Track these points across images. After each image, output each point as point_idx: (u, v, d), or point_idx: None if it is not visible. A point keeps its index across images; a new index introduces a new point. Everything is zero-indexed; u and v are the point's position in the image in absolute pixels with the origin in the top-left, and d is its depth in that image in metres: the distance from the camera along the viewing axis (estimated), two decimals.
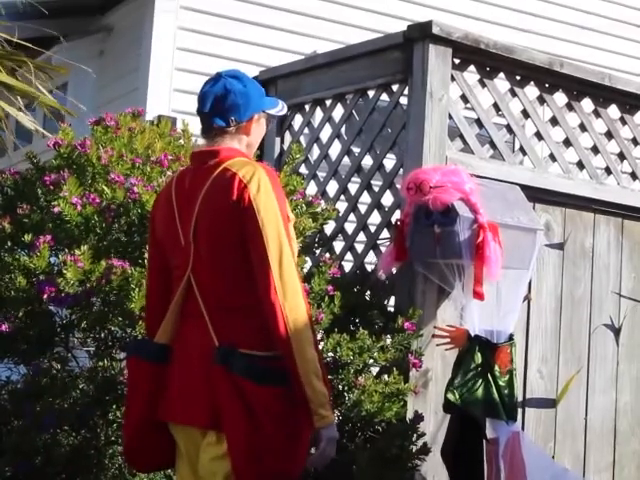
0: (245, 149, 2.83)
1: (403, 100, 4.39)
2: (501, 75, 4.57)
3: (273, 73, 5.10)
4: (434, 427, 4.10)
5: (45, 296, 3.49)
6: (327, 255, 4.28)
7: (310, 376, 2.63)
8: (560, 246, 4.62)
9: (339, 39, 6.13)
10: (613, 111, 4.94)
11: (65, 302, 3.56)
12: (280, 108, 2.91)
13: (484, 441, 3.85)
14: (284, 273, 2.64)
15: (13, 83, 4.05)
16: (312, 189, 4.79)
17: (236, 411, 2.65)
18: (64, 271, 3.50)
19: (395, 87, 4.47)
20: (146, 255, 3.31)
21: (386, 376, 3.96)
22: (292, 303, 2.63)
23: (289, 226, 2.73)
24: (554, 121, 4.73)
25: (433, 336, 4.08)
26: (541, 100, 4.69)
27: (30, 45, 4.10)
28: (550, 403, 4.53)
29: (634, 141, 5.04)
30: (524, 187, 4.35)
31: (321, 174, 4.87)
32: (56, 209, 3.60)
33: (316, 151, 4.99)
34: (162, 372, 2.80)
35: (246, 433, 2.63)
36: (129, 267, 3.50)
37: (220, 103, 2.78)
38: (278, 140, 5.08)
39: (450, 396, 3.80)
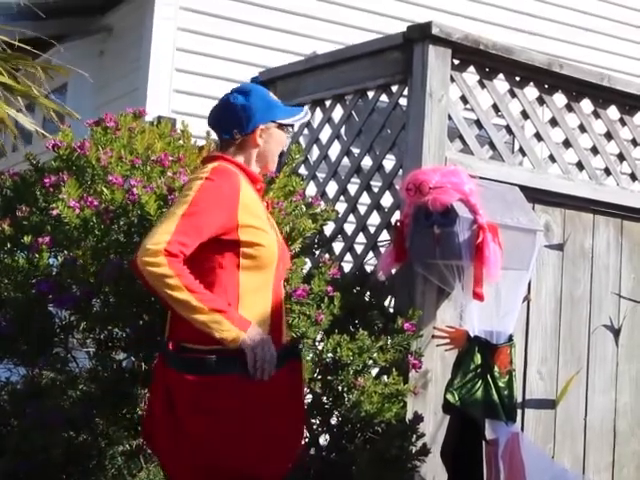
0: (256, 159, 2.99)
1: (403, 101, 4.39)
2: (500, 76, 4.57)
3: (273, 74, 5.10)
4: (434, 428, 4.10)
5: (45, 297, 3.50)
6: (327, 256, 4.28)
7: (190, 315, 2.74)
8: (560, 247, 4.62)
9: (339, 40, 6.14)
10: (612, 112, 4.94)
11: (65, 303, 3.57)
12: (298, 117, 3.05)
13: (483, 442, 3.85)
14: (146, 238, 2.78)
15: (13, 85, 4.05)
16: (311, 190, 4.79)
17: (159, 395, 2.89)
18: (63, 272, 3.51)
19: (395, 88, 4.47)
20: None
21: (386, 377, 3.96)
22: (149, 260, 2.72)
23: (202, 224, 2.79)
24: (554, 122, 4.73)
25: (433, 337, 4.08)
26: (541, 101, 4.69)
27: (29, 48, 4.10)
28: (550, 404, 4.53)
29: (633, 142, 5.04)
30: (523, 188, 4.35)
31: (320, 175, 4.87)
32: (55, 211, 3.60)
33: (316, 152, 4.99)
34: None
35: (161, 414, 2.87)
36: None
37: (223, 117, 2.99)
38: None
39: (449, 397, 3.80)
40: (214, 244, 2.83)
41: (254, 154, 2.98)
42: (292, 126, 3.14)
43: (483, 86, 4.50)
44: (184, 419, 2.82)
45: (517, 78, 4.59)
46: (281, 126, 3.02)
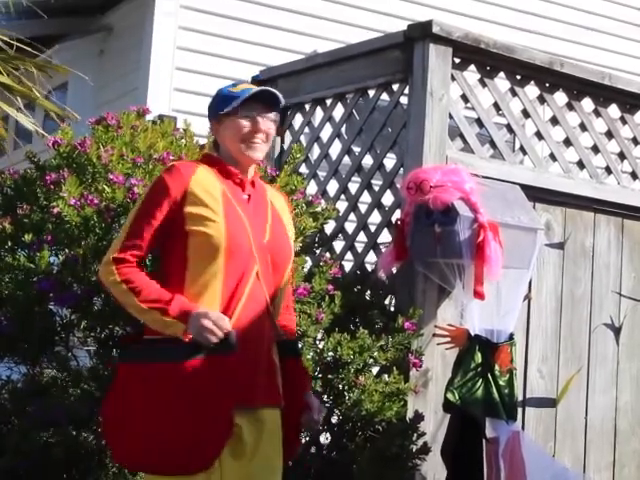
0: (227, 152, 3.04)
1: (403, 99, 4.39)
2: (501, 74, 4.57)
3: (273, 72, 5.10)
4: (434, 426, 4.10)
5: (46, 296, 3.50)
6: (327, 255, 4.28)
7: (140, 317, 2.85)
8: (560, 245, 4.62)
9: (339, 38, 6.13)
10: (613, 111, 4.94)
11: (66, 302, 3.57)
12: (235, 103, 2.99)
13: (484, 440, 3.85)
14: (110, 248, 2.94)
15: (13, 85, 4.05)
16: (312, 188, 4.79)
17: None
18: (64, 271, 3.51)
19: (395, 86, 4.47)
20: None
21: (386, 375, 3.96)
22: (102, 271, 2.90)
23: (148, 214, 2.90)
24: (554, 121, 4.73)
25: (433, 335, 4.08)
26: (541, 100, 4.69)
27: (28, 48, 4.10)
28: (550, 402, 4.53)
29: (634, 141, 5.04)
30: (524, 187, 4.35)
31: (321, 173, 4.87)
32: (55, 210, 3.60)
33: (316, 150, 4.99)
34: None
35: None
36: None
37: None
38: (278, 140, 5.09)
39: (450, 396, 3.80)
40: (169, 237, 2.90)
41: (221, 146, 3.06)
42: (261, 111, 3.02)
43: (484, 85, 4.50)
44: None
45: (518, 77, 4.59)
46: (235, 115, 3.00)
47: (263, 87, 3.07)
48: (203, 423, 2.83)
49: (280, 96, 3.05)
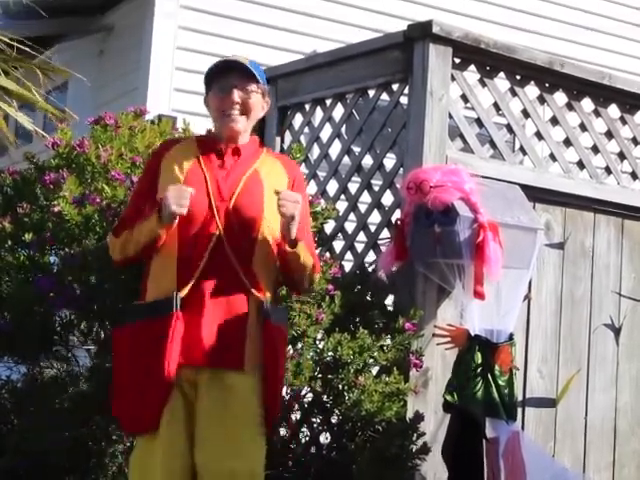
0: (214, 126, 3.22)
1: (403, 99, 4.39)
2: (501, 75, 4.57)
3: (273, 72, 5.09)
4: (434, 427, 4.10)
5: (46, 295, 3.50)
6: (327, 255, 4.28)
7: (134, 244, 3.07)
8: (560, 246, 4.62)
9: (339, 38, 6.13)
10: (613, 111, 4.94)
11: (66, 301, 3.56)
12: (205, 81, 3.20)
13: (484, 441, 3.85)
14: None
15: (12, 88, 4.05)
16: (312, 188, 4.78)
17: None
18: (64, 270, 3.51)
19: (395, 86, 4.47)
20: None
21: (386, 376, 3.96)
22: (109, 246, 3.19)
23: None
24: (554, 121, 4.73)
25: (433, 335, 4.08)
26: (541, 100, 4.69)
27: (27, 49, 4.09)
28: (550, 403, 4.53)
29: (634, 141, 5.04)
30: (524, 187, 4.35)
31: (321, 174, 4.87)
32: (56, 208, 3.60)
33: (316, 150, 4.98)
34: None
35: None
36: None
37: None
38: (278, 139, 5.08)
39: (448, 397, 3.80)
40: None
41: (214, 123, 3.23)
42: (231, 86, 3.13)
43: (484, 85, 4.50)
44: None
45: (518, 77, 4.59)
46: (211, 90, 3.17)
47: (228, 58, 3.18)
48: (146, 383, 2.94)
49: (247, 64, 3.15)
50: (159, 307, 2.96)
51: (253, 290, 3.01)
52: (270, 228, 3.06)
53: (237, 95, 3.08)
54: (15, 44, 4.09)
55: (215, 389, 2.96)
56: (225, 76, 3.11)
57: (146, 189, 3.12)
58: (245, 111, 3.11)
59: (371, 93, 4.63)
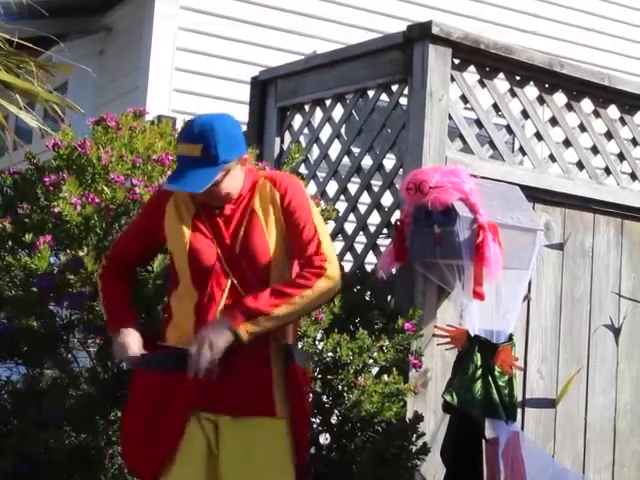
0: None
1: (403, 100, 4.39)
2: (501, 75, 4.57)
3: (273, 73, 5.10)
4: (434, 427, 4.11)
5: (47, 296, 3.50)
6: None
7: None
8: (560, 246, 4.62)
9: (339, 39, 6.14)
10: (613, 111, 4.94)
11: (66, 302, 3.56)
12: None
13: (484, 441, 3.85)
14: None
15: (13, 81, 4.04)
16: (312, 189, 4.79)
17: None
18: (65, 271, 3.51)
19: (395, 87, 4.47)
20: None
21: (386, 376, 3.96)
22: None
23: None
24: (554, 121, 4.73)
25: (433, 335, 4.08)
26: (541, 100, 4.70)
27: (30, 45, 4.09)
28: (550, 403, 4.53)
29: (634, 141, 5.04)
30: (524, 187, 4.35)
31: (321, 174, 4.87)
32: (56, 209, 3.60)
33: (316, 151, 4.99)
34: None
35: None
36: None
37: None
38: (278, 140, 5.09)
39: (447, 397, 3.80)
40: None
41: None
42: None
43: (483, 85, 4.50)
44: None
45: (517, 77, 4.59)
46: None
47: (183, 153, 2.94)
48: (154, 431, 2.91)
49: (205, 155, 2.89)
50: (181, 359, 2.87)
51: (270, 335, 2.94)
52: (278, 268, 3.00)
53: (213, 193, 2.93)
54: (16, 40, 4.09)
55: (240, 433, 2.91)
56: None
57: (144, 225, 3.11)
58: (227, 189, 2.95)
59: (371, 94, 4.63)
